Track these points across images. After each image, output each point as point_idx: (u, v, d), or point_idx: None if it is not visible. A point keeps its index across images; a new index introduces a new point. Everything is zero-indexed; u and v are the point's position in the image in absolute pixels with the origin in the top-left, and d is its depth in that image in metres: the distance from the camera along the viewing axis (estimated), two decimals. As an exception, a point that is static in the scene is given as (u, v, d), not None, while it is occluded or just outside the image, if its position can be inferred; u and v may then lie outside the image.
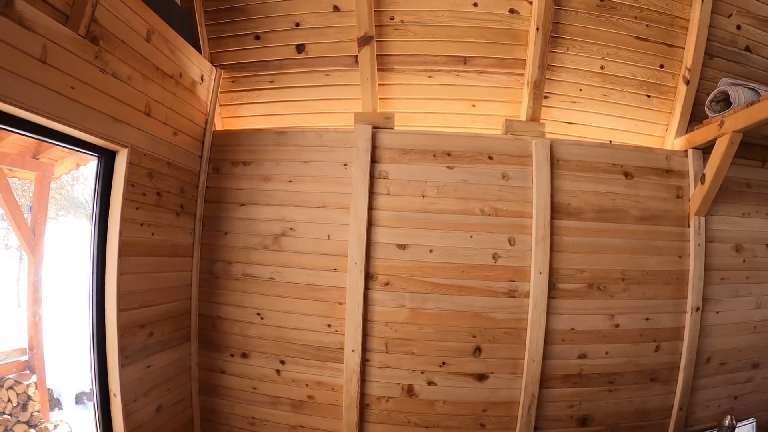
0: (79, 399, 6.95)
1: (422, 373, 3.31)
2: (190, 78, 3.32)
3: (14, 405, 5.09)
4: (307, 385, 3.41)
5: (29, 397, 5.19)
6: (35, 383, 5.27)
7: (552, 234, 3.28)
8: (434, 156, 3.34)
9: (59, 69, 2.25)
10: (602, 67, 3.49)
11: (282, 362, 3.42)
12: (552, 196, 3.30)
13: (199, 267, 3.53)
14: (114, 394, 2.85)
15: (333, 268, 3.34)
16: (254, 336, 3.47)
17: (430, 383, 3.30)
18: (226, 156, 3.57)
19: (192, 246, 3.49)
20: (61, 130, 2.42)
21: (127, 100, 2.75)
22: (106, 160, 2.80)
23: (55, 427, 5.23)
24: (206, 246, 3.54)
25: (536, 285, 3.24)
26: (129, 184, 2.82)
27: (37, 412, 5.21)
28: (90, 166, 5.05)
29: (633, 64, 3.49)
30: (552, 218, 3.29)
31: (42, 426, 5.13)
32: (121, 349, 2.81)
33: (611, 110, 3.58)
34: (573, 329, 3.31)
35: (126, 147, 2.77)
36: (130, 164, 2.81)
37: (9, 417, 4.97)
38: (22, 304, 5.48)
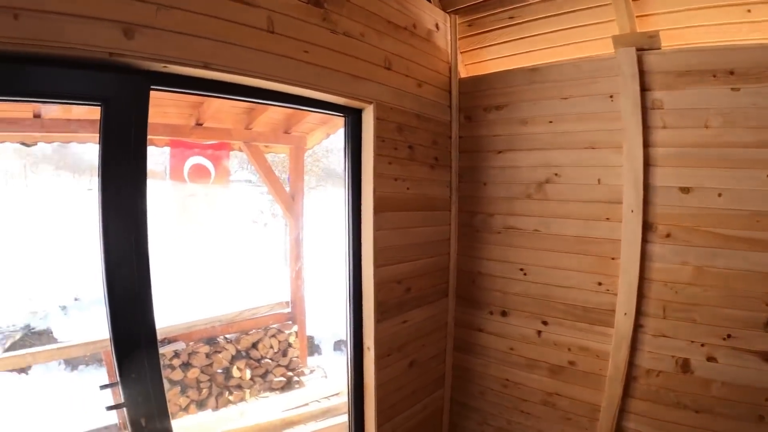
0: (337, 346, 7.72)
1: (702, 345, 2.69)
2: (424, 28, 3.15)
3: (275, 351, 5.67)
4: (569, 349, 3.06)
5: (290, 345, 5.76)
6: (296, 332, 5.80)
7: None
8: (714, 76, 2.63)
9: (289, 36, 2.26)
10: None
11: (544, 323, 3.13)
12: None
13: (458, 221, 3.43)
14: (368, 348, 2.91)
15: (605, 218, 2.88)
16: (516, 293, 3.24)
17: (709, 359, 2.68)
18: (476, 103, 3.35)
19: (449, 199, 3.39)
20: (303, 95, 2.46)
21: (364, 56, 2.69)
22: (353, 119, 2.80)
23: (311, 371, 5.73)
24: (464, 198, 3.41)
25: None
26: (379, 139, 2.76)
27: (296, 357, 5.75)
28: (339, 134, 5.34)
29: None
30: None
31: (299, 370, 5.63)
32: (378, 305, 2.83)
33: None
34: None
35: (371, 103, 2.72)
36: (378, 119, 2.75)
37: (270, 361, 5.54)
38: (287, 264, 6.10)
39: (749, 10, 2.74)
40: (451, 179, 3.38)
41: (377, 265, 2.79)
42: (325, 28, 2.44)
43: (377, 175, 2.74)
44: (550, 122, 3.06)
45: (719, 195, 2.61)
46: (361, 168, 2.80)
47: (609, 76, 2.86)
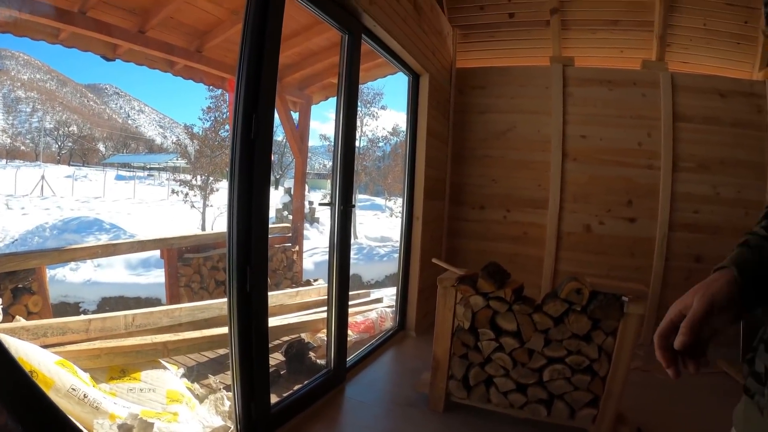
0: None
1: (595, 216, 5.24)
2: (444, 34, 5.29)
3: (285, 264, 7.27)
4: (522, 225, 5.45)
5: (294, 261, 7.36)
6: (297, 251, 7.43)
7: (674, 130, 5.11)
8: (600, 83, 5.28)
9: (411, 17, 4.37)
10: (705, 24, 5.29)
11: (507, 210, 5.51)
12: (673, 106, 5.11)
13: (452, 151, 5.62)
14: (416, 218, 4.85)
15: (542, 150, 5.34)
16: (489, 194, 5.57)
17: (600, 223, 5.25)
18: (466, 83, 5.66)
19: (447, 136, 5.55)
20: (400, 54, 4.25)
21: (427, 43, 4.69)
22: (414, 80, 4.78)
23: (315, 281, 7.34)
24: (456, 138, 5.62)
25: (665, 162, 5.09)
26: (430, 97, 4.80)
27: (297, 272, 7.39)
28: (330, 101, 7.16)
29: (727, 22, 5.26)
30: (673, 120, 5.11)
31: (303, 281, 7.29)
32: (425, 190, 4.83)
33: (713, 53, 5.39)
34: (689, 193, 5.15)
35: (427, 72, 4.75)
36: (430, 84, 4.79)
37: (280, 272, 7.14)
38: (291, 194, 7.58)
39: (622, 51, 5.39)
40: (448, 126, 5.54)
41: (427, 165, 4.78)
42: (417, 25, 4.34)
43: (429, 115, 4.77)
44: (512, 98, 5.49)
45: (600, 139, 5.18)
46: (418, 108, 4.78)
47: (545, 77, 5.37)
